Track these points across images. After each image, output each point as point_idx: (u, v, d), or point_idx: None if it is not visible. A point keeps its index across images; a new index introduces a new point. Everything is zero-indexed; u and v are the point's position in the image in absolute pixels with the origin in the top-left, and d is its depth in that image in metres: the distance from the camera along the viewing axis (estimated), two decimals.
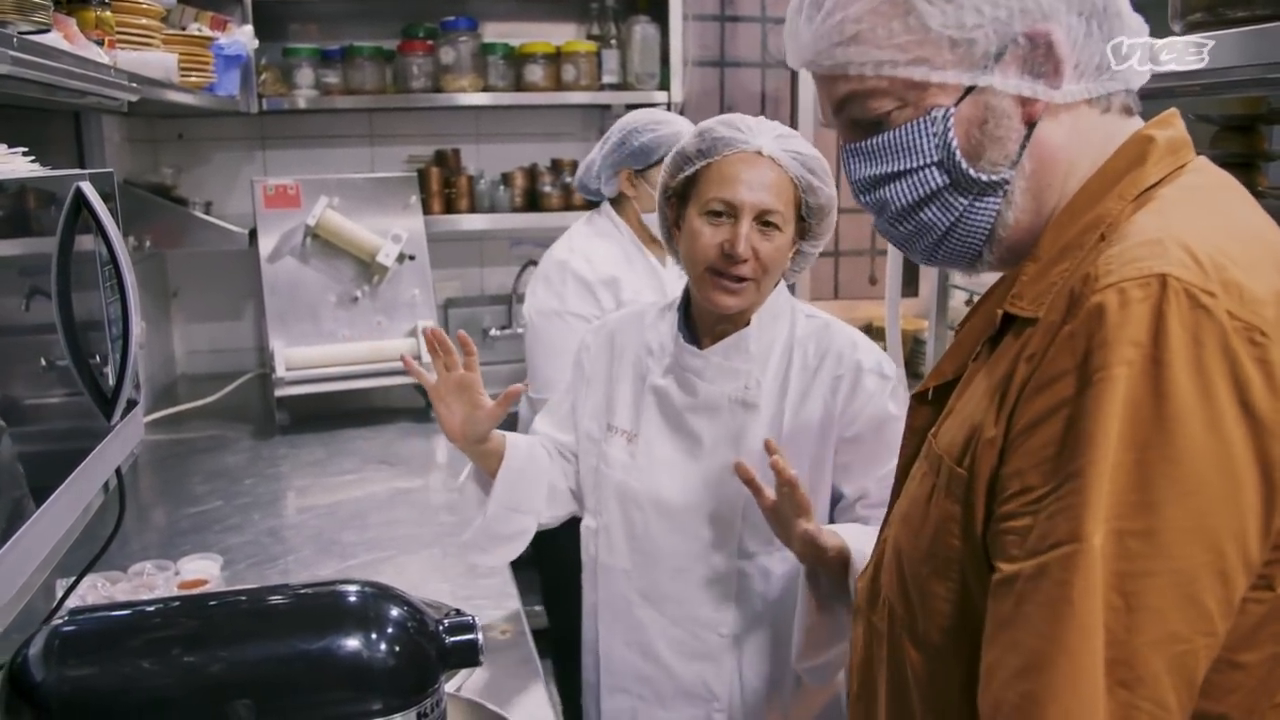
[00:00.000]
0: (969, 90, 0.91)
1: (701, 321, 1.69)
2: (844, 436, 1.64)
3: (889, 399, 1.63)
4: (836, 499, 1.70)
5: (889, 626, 1.01)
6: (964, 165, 0.93)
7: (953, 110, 0.92)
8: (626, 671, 1.73)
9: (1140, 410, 0.76)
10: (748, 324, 1.66)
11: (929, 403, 1.05)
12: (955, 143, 0.92)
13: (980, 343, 0.97)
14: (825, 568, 1.48)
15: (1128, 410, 0.76)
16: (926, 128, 0.93)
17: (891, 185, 0.96)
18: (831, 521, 1.67)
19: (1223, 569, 0.77)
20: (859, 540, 1.47)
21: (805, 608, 1.54)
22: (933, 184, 0.95)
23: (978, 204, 0.95)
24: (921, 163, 0.94)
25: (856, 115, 0.96)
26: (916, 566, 0.95)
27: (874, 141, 0.95)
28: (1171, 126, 0.94)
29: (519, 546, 1.78)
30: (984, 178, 0.93)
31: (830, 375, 1.64)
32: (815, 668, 1.59)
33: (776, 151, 1.57)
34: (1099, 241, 0.88)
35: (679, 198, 1.65)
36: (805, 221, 1.63)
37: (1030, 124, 0.92)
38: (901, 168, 0.95)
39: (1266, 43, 1.31)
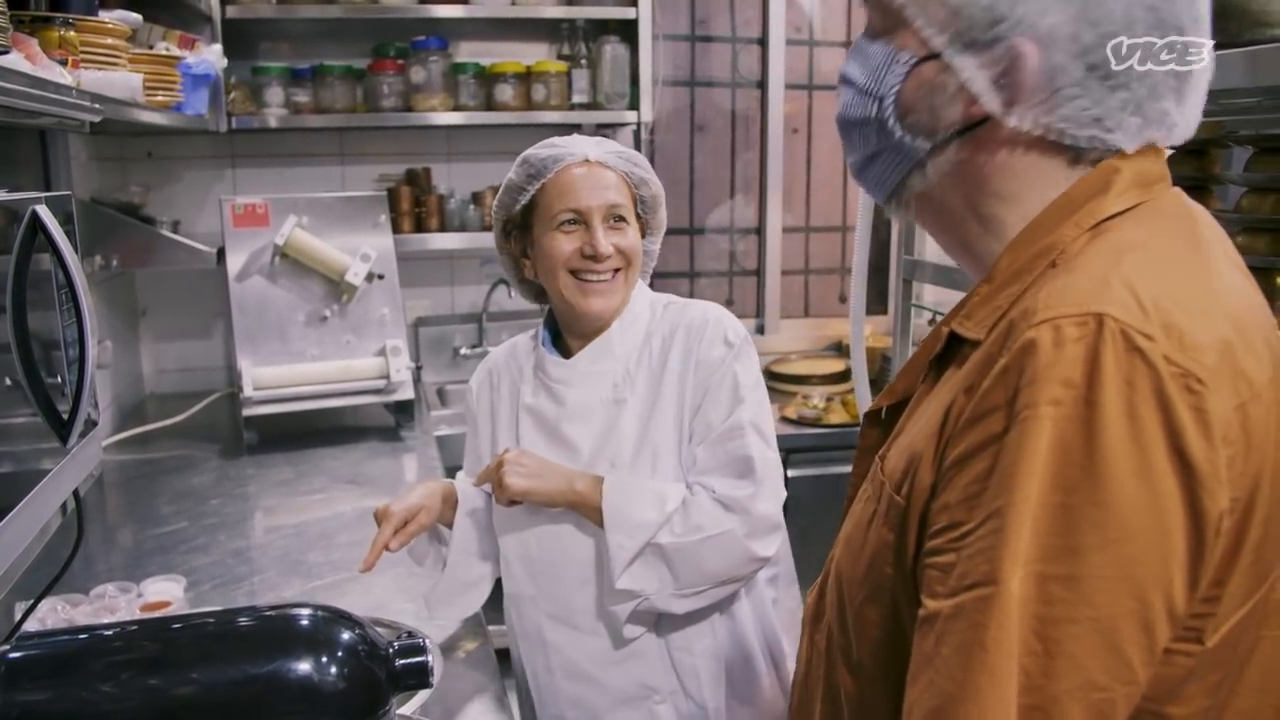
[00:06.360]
0: (935, 54, 0.90)
1: (570, 335, 1.71)
2: (690, 405, 1.64)
3: (735, 363, 1.62)
4: None
5: (826, 646, 1.00)
6: (889, 114, 0.93)
7: (913, 60, 0.91)
8: (558, 698, 1.71)
9: (1069, 453, 0.75)
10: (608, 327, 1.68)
11: (881, 422, 1.04)
12: (896, 90, 0.92)
13: (928, 362, 0.95)
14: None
15: (1055, 452, 0.75)
16: (889, 58, 0.93)
17: (847, 90, 0.98)
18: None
19: (1146, 618, 0.75)
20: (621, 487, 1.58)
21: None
22: (867, 111, 0.95)
23: (892, 153, 0.95)
24: (869, 87, 0.94)
25: (869, 10, 0.96)
26: (853, 590, 0.94)
27: (861, 43, 0.96)
28: (1146, 159, 0.90)
29: (482, 594, 1.79)
30: (903, 137, 0.93)
31: (681, 349, 1.65)
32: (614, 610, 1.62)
33: (602, 155, 1.62)
34: (1049, 268, 0.86)
35: (520, 229, 1.68)
36: (641, 218, 1.68)
37: (969, 122, 0.90)
38: (857, 81, 0.96)
39: (1216, 70, 1.34)
